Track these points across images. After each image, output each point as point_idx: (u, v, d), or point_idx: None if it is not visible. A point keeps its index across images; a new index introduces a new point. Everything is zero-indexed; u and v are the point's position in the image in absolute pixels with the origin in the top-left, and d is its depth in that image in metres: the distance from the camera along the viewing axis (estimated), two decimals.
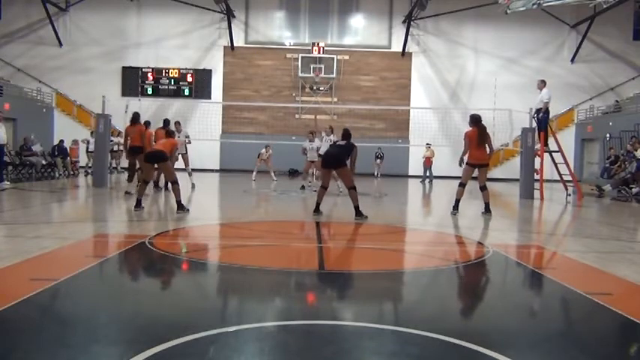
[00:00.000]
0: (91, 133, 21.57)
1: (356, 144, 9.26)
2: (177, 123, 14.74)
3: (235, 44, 26.34)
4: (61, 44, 25.84)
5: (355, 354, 3.00)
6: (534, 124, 14.53)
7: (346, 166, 9.09)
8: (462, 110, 25.74)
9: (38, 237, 6.28)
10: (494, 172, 25.60)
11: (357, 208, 8.90)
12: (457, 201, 9.94)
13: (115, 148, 22.11)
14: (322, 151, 14.23)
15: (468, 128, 10.08)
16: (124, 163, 23.83)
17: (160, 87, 26.15)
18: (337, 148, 9.35)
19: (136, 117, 12.65)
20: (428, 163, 20.98)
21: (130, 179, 12.96)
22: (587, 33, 25.84)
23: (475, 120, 9.88)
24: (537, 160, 14.47)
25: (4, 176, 13.82)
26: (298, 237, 7.62)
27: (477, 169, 9.91)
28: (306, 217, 9.53)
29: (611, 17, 24.59)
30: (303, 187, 15.08)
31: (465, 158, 9.95)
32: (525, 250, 6.75)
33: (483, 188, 9.90)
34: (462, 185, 9.96)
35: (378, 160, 24.13)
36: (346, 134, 9.41)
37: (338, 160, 9.09)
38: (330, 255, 6.08)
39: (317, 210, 9.13)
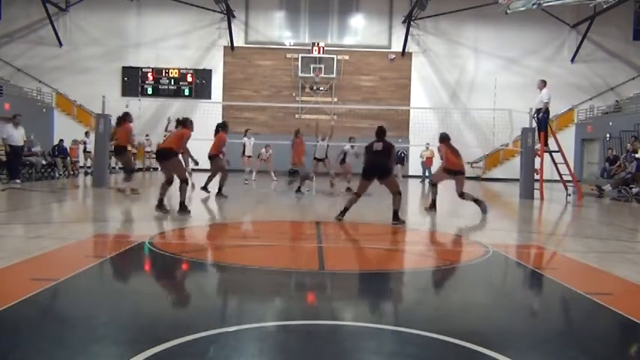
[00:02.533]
0: (86, 133, 21.60)
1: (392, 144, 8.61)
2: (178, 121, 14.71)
3: (235, 44, 26.35)
4: (61, 44, 25.86)
5: (355, 354, 3.00)
6: (534, 124, 14.53)
7: (391, 174, 8.59)
8: (461, 110, 25.77)
9: (38, 237, 6.27)
10: (495, 172, 25.65)
11: (396, 212, 8.43)
12: (433, 200, 10.29)
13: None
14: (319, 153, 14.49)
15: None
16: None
17: (160, 87, 26.18)
18: (380, 156, 8.40)
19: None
20: (429, 163, 20.97)
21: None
22: (587, 33, 25.85)
23: (441, 138, 10.38)
24: (537, 160, 14.47)
25: (21, 175, 14.58)
26: (298, 237, 7.62)
27: (453, 177, 10.03)
28: (306, 217, 9.53)
29: (611, 17, 24.62)
30: (299, 191, 13.63)
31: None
32: (525, 250, 6.75)
33: (462, 195, 9.93)
34: (434, 185, 10.53)
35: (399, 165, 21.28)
36: (382, 132, 8.57)
37: (385, 169, 8.42)
38: (330, 255, 6.08)
39: (343, 214, 8.56)
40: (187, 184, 8.93)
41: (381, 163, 8.38)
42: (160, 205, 8.64)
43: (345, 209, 8.64)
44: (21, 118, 14.79)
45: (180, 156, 9.12)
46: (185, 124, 9.22)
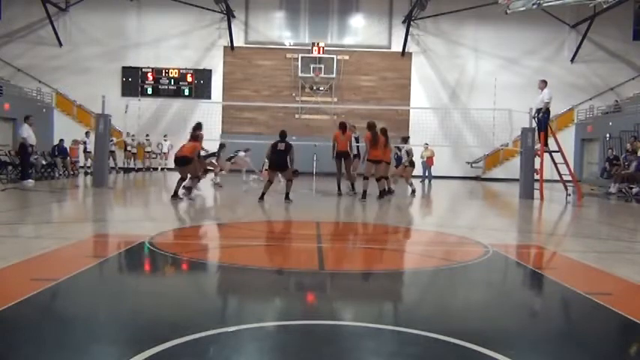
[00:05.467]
0: (86, 133, 21.61)
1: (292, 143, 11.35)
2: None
3: (235, 44, 26.34)
4: (61, 44, 25.84)
5: (355, 354, 3.00)
6: (534, 124, 14.52)
7: (289, 167, 11.19)
8: (461, 110, 25.77)
9: (38, 237, 6.28)
10: (495, 172, 25.65)
11: (287, 194, 11.18)
12: (364, 192, 12.00)
13: (113, 148, 22.10)
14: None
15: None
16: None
17: (159, 87, 26.15)
18: (282, 154, 11.14)
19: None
20: (430, 162, 20.96)
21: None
22: (587, 33, 25.83)
23: (368, 126, 12.32)
24: (537, 160, 14.46)
25: (31, 174, 14.87)
26: (298, 237, 7.62)
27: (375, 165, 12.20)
28: (306, 217, 9.53)
29: (611, 17, 24.59)
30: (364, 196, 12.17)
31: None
32: (525, 250, 6.75)
33: (379, 179, 12.37)
34: (366, 178, 12.14)
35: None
36: (285, 134, 11.42)
37: (284, 164, 11.15)
38: (330, 255, 6.08)
39: (262, 198, 11.04)
40: (198, 180, 11.50)
41: (283, 159, 11.12)
42: (175, 196, 10.99)
43: (263, 193, 11.12)
44: (34, 118, 15.38)
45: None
46: (197, 139, 11.79)
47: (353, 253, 6.53)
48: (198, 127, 12.19)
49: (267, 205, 10.67)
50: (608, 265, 5.54)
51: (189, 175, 11.37)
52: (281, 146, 11.25)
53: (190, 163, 11.26)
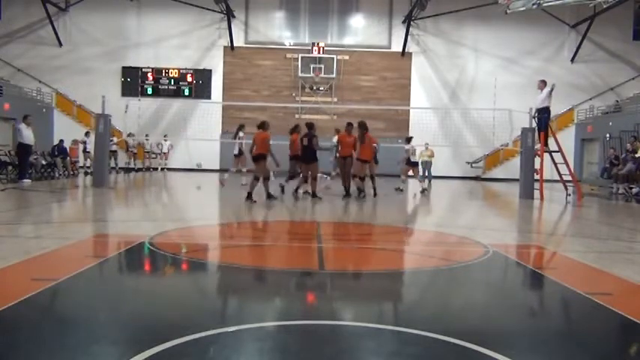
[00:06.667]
0: (86, 133, 21.62)
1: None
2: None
3: (235, 44, 26.34)
4: (61, 44, 25.85)
5: (355, 354, 3.00)
6: (534, 124, 14.52)
7: (315, 162, 11.89)
8: (461, 110, 25.77)
9: (38, 237, 6.28)
10: (495, 172, 25.65)
11: (314, 192, 11.73)
12: (359, 189, 12.30)
13: (114, 148, 22.14)
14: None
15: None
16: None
17: (159, 87, 26.16)
18: (307, 149, 11.95)
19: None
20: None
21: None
22: (587, 33, 25.84)
23: (358, 125, 12.54)
24: (537, 160, 14.46)
25: (30, 175, 15.16)
26: (298, 237, 7.62)
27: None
28: (305, 217, 9.53)
29: (611, 17, 24.60)
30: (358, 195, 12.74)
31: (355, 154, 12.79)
32: (525, 250, 6.75)
33: (353, 176, 12.48)
34: (362, 178, 12.60)
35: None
36: (309, 126, 12.05)
37: (310, 157, 11.90)
38: (330, 255, 6.08)
39: (296, 192, 12.20)
40: (269, 179, 11.39)
41: (306, 153, 11.90)
42: (249, 197, 10.87)
43: (296, 189, 12.24)
44: (32, 118, 15.48)
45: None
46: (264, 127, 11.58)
47: (353, 253, 6.52)
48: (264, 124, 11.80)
49: (268, 205, 10.66)
50: (608, 265, 5.54)
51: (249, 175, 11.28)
52: (305, 141, 11.96)
53: (263, 159, 11.13)
